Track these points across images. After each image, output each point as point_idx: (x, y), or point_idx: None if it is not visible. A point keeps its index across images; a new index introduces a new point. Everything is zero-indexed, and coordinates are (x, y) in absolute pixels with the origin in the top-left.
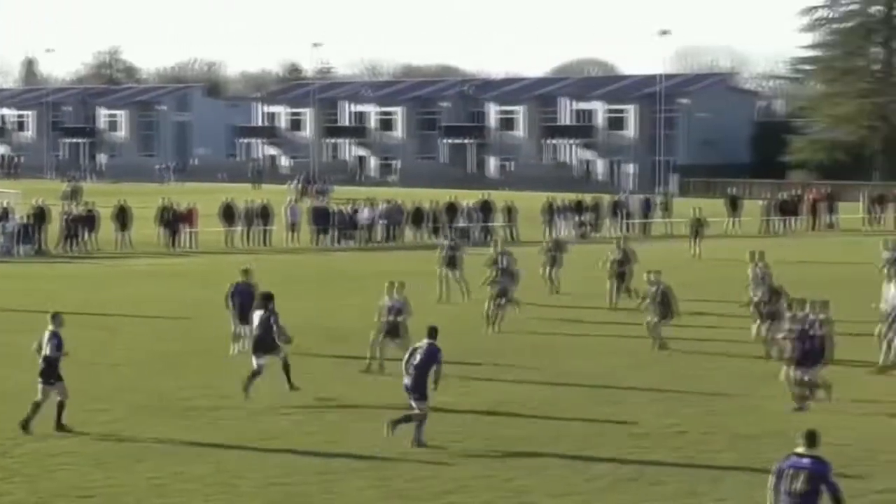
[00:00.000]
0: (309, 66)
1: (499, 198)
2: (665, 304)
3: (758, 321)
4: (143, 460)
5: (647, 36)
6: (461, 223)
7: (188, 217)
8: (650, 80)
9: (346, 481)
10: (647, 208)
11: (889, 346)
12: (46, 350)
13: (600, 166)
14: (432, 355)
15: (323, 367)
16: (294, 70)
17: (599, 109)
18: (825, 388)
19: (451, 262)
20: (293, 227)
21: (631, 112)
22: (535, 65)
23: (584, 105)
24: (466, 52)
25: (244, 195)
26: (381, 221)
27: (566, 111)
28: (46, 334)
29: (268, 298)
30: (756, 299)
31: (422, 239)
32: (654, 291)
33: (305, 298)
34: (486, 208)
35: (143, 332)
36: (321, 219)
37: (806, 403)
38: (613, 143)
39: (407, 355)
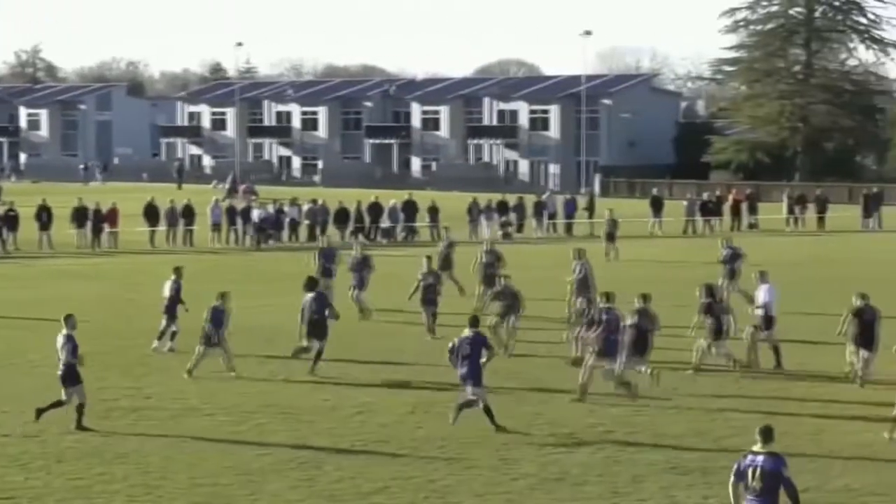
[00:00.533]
0: (231, 66)
1: (423, 198)
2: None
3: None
4: (64, 461)
5: (570, 36)
6: (385, 223)
7: (110, 217)
8: (573, 80)
9: (270, 482)
10: (570, 209)
11: (774, 349)
12: (62, 355)
13: (524, 166)
14: (480, 343)
15: (247, 368)
16: (217, 70)
17: (523, 110)
18: (627, 384)
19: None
20: (216, 227)
21: (554, 112)
22: (459, 65)
23: (507, 105)
24: (389, 52)
25: (167, 195)
26: (304, 221)
27: (490, 111)
28: (60, 338)
29: (314, 282)
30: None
31: (345, 239)
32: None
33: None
34: (410, 208)
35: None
36: (264, 217)
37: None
38: (537, 143)
39: (455, 347)
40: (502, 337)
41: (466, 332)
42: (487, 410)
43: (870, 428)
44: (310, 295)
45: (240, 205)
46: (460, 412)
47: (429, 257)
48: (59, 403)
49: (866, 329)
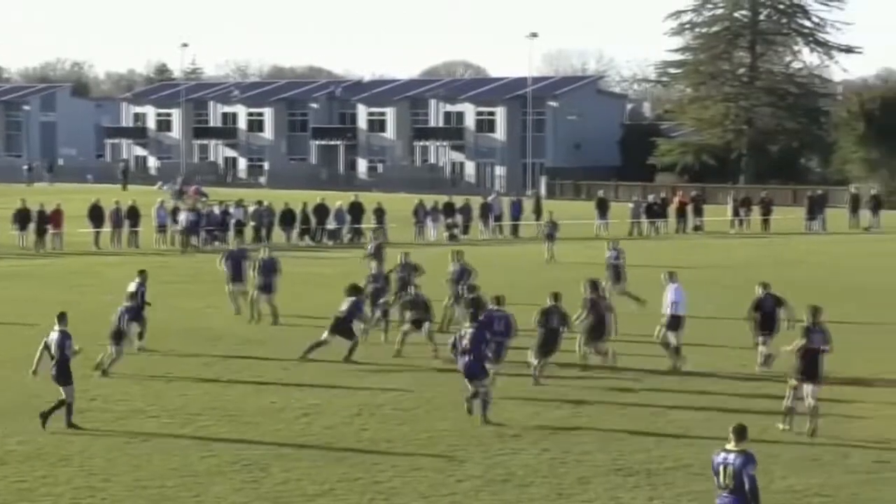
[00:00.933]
0: (177, 67)
1: (369, 199)
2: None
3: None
4: (6, 464)
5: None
6: (331, 225)
7: (54, 218)
8: (519, 82)
9: (215, 484)
10: (516, 210)
11: (674, 349)
12: (56, 353)
13: (470, 168)
14: (481, 337)
15: (191, 369)
16: (162, 71)
17: (469, 112)
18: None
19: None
20: (161, 228)
21: (500, 114)
22: (405, 67)
23: (453, 107)
24: (335, 53)
25: (112, 196)
26: (250, 223)
27: (436, 113)
28: (55, 336)
29: (357, 290)
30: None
31: (291, 241)
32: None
33: (174, 299)
34: (356, 210)
35: (6, 333)
36: (192, 220)
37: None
38: (483, 145)
39: (456, 341)
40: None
41: (467, 326)
42: (485, 403)
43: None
44: (351, 299)
45: (184, 206)
46: (472, 403)
47: (460, 253)
48: (61, 403)
49: (767, 317)
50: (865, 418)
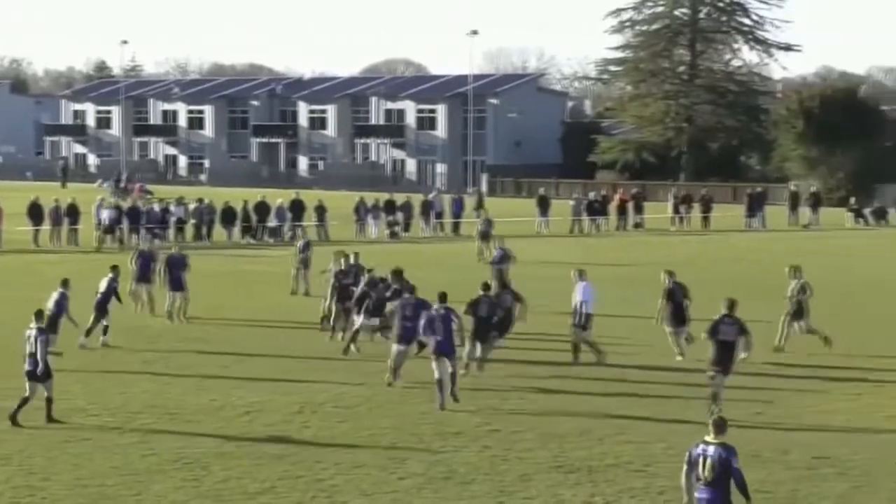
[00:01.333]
0: (117, 64)
1: (310, 197)
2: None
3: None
4: None
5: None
6: (272, 222)
7: None
8: (460, 80)
9: (156, 482)
10: (458, 208)
11: (589, 345)
12: (34, 347)
13: (411, 166)
14: (450, 317)
15: (131, 367)
16: (102, 68)
17: (410, 109)
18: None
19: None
20: (101, 225)
21: (441, 112)
22: (346, 64)
23: (394, 105)
24: (276, 51)
25: (51, 194)
26: (191, 221)
27: (377, 111)
28: (32, 332)
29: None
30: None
31: (232, 238)
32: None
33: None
34: (297, 207)
35: None
36: (132, 218)
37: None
38: (424, 142)
39: (428, 323)
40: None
41: (437, 307)
42: (453, 377)
43: (754, 424)
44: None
45: (126, 204)
46: (442, 391)
47: (346, 256)
48: (49, 401)
49: (678, 307)
50: (805, 415)
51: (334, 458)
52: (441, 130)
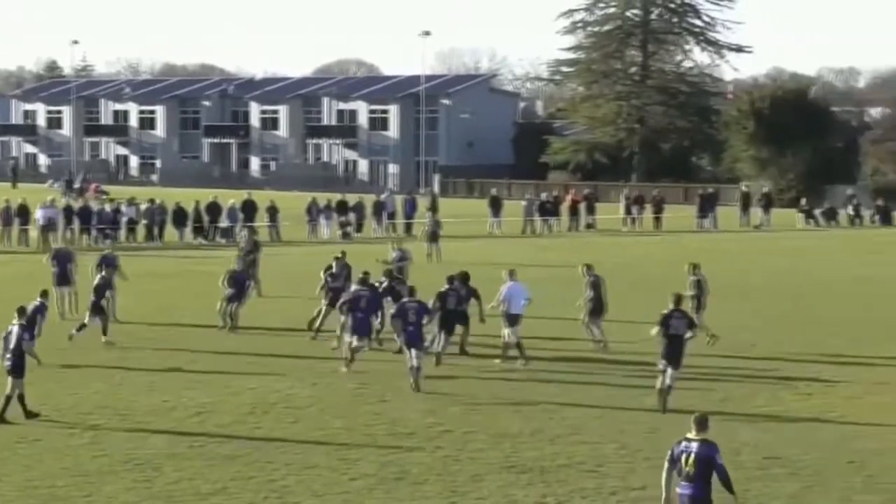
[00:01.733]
0: (67, 64)
1: (262, 197)
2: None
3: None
4: None
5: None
6: (224, 223)
7: None
8: (412, 80)
9: (107, 483)
10: (410, 208)
11: (515, 345)
12: (13, 345)
13: (363, 166)
14: (423, 310)
15: (82, 368)
16: (52, 68)
17: (362, 110)
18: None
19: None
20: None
21: (393, 112)
22: (298, 65)
23: (346, 105)
24: (227, 51)
25: (1, 194)
26: (142, 221)
27: (329, 111)
28: (15, 329)
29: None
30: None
31: (183, 239)
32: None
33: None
34: (249, 208)
35: None
36: (83, 218)
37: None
38: (376, 143)
39: (399, 313)
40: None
41: (407, 299)
42: (418, 370)
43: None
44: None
45: (78, 204)
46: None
47: (338, 257)
48: (21, 397)
49: (598, 298)
50: (756, 415)
51: (286, 459)
52: (393, 131)
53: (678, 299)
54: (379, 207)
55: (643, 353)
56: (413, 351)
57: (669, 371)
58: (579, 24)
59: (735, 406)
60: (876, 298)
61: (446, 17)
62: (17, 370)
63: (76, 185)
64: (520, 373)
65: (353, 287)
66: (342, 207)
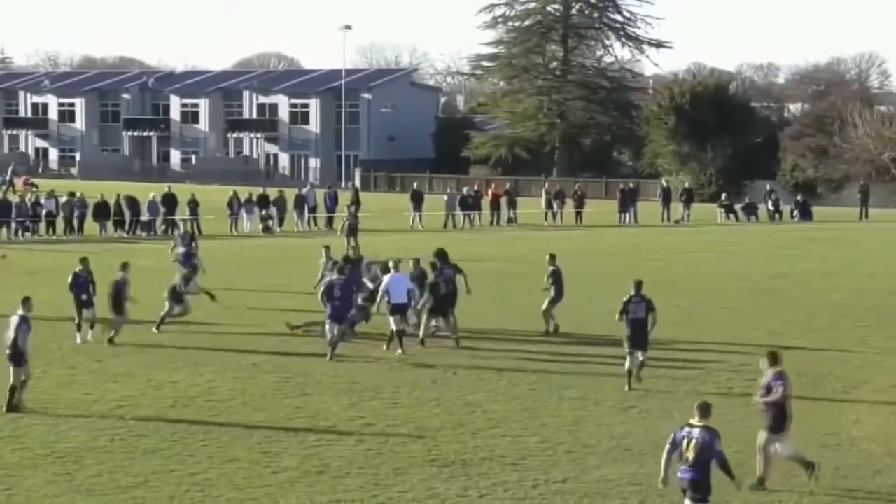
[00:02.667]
0: None
1: (182, 191)
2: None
3: None
4: None
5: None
6: (145, 217)
7: None
8: (333, 74)
9: (27, 477)
10: (332, 202)
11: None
12: (15, 335)
13: (284, 160)
14: (350, 287)
15: (2, 360)
16: None
17: (283, 103)
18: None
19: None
20: None
21: (314, 106)
22: (218, 58)
23: (267, 99)
24: (147, 44)
25: None
26: (62, 214)
27: (250, 105)
28: (15, 319)
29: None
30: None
31: (106, 233)
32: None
33: None
34: (169, 201)
35: None
36: (2, 211)
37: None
38: (297, 137)
39: (327, 290)
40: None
41: (336, 276)
42: (335, 345)
43: (625, 419)
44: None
45: (15, 197)
46: (334, 350)
47: (327, 247)
48: (23, 384)
49: (559, 284)
50: (677, 408)
51: (207, 452)
52: (314, 125)
53: (638, 285)
54: (300, 201)
55: (562, 346)
56: (335, 326)
57: (638, 354)
58: (500, 19)
59: (656, 399)
60: (794, 292)
61: (367, 11)
62: (19, 357)
63: (6, 177)
64: (441, 367)
65: (329, 276)
66: (263, 201)
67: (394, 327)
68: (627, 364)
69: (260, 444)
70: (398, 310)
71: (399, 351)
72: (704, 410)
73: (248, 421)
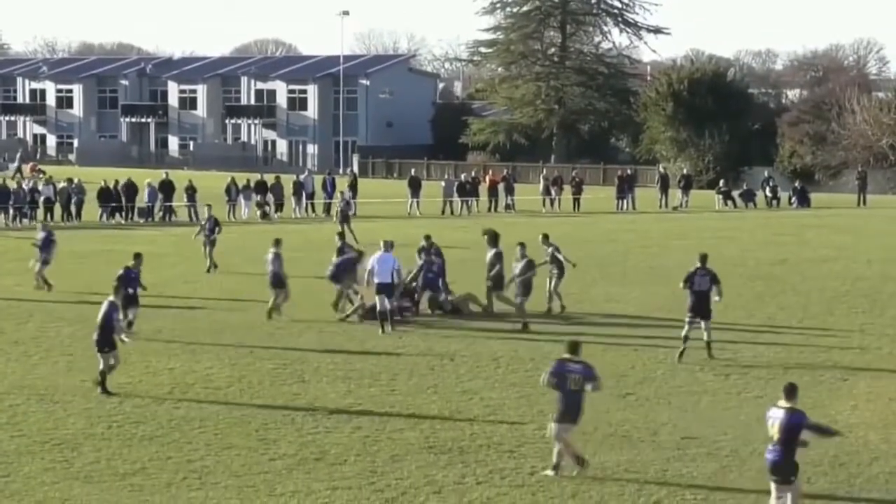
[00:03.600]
0: None
1: (180, 177)
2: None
3: None
4: None
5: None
6: (142, 203)
7: None
8: (331, 60)
9: (24, 464)
10: (331, 188)
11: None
12: (103, 320)
13: (282, 146)
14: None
15: (1, 346)
16: None
17: (281, 89)
18: None
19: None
20: None
21: (312, 92)
22: (216, 44)
23: (265, 85)
24: (145, 30)
25: None
26: (59, 200)
27: (247, 91)
28: (104, 305)
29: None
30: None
31: (108, 219)
32: None
33: None
34: (167, 188)
35: None
36: (1, 198)
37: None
38: (295, 123)
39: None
40: None
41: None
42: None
43: (621, 406)
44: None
45: (12, 183)
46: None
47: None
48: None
49: (558, 260)
50: (674, 395)
51: (205, 440)
52: (312, 111)
53: (703, 258)
54: (298, 188)
55: (561, 333)
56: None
57: (702, 323)
58: (498, 5)
59: (653, 386)
60: (792, 278)
61: None
62: (104, 344)
63: (15, 164)
64: (438, 355)
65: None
66: (261, 188)
67: (379, 307)
68: (685, 330)
69: (258, 431)
70: (382, 289)
71: (382, 330)
72: (790, 392)
73: (246, 408)
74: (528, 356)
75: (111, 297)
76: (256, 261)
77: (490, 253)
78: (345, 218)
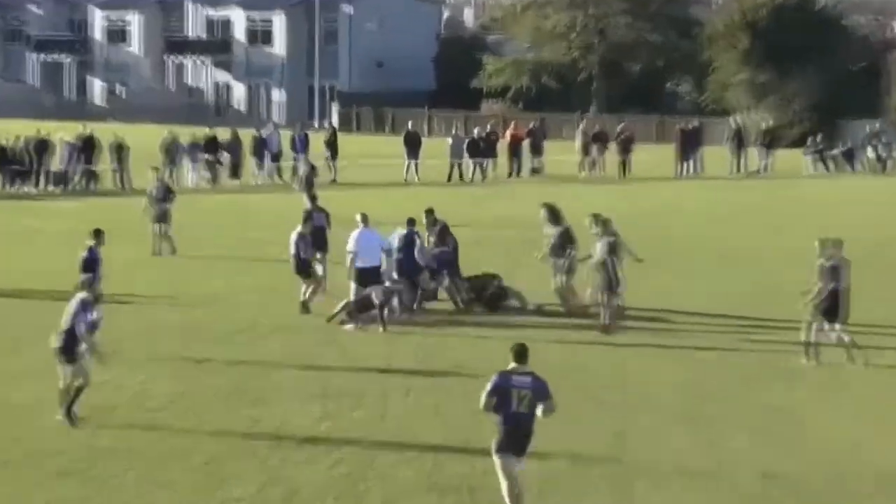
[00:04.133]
0: None
1: (106, 132)
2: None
3: None
4: None
5: None
6: (57, 166)
7: None
8: None
9: None
10: (302, 147)
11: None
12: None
13: (240, 92)
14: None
15: None
16: None
17: (238, 19)
18: None
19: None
20: None
21: (279, 23)
22: None
23: (217, 13)
24: None
25: None
26: None
27: (195, 21)
28: (75, 304)
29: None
30: None
31: (16, 188)
32: None
33: None
34: (88, 146)
35: None
36: None
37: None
38: (256, 62)
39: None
40: None
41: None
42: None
43: (685, 431)
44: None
45: None
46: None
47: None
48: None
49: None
50: (748, 417)
51: (135, 476)
52: (279, 46)
53: (835, 244)
54: (260, 146)
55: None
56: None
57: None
58: None
59: (724, 404)
60: None
61: None
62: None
63: None
64: (440, 364)
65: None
66: (212, 146)
67: (374, 300)
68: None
69: (206, 466)
70: (368, 276)
71: (382, 328)
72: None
73: (191, 434)
74: (560, 365)
75: (83, 294)
76: (205, 242)
77: (553, 231)
78: (310, 184)
